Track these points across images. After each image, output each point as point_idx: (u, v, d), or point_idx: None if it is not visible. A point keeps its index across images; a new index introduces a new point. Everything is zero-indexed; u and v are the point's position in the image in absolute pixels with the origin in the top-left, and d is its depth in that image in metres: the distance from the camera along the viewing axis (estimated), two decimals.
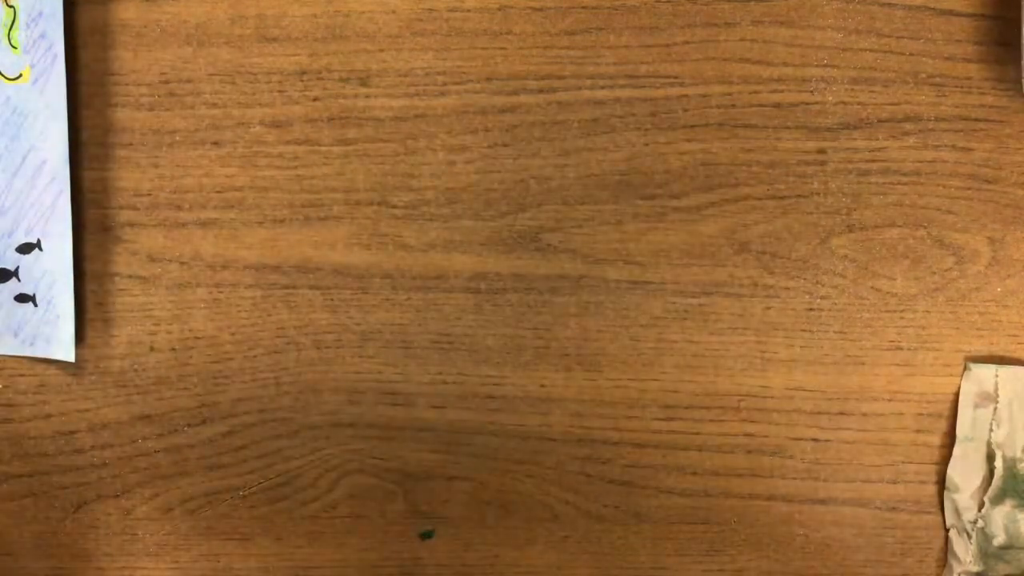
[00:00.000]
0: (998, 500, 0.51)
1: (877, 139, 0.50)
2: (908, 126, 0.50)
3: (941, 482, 0.52)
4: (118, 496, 0.53)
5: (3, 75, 0.51)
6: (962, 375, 0.51)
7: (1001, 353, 0.51)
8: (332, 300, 0.52)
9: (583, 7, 0.51)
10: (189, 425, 0.52)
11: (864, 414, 0.52)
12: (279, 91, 0.52)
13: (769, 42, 0.50)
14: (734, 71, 0.51)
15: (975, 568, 0.52)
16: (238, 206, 0.52)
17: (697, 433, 0.52)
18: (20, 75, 0.51)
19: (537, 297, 0.52)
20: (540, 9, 0.51)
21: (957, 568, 0.52)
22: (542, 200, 0.51)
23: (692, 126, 0.51)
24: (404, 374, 0.52)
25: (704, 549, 0.54)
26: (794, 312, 0.51)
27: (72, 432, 0.53)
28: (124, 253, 0.52)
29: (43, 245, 0.51)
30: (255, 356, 0.52)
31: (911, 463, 0.52)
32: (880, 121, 0.50)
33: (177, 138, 0.52)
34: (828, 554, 0.54)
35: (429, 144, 0.51)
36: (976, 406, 0.51)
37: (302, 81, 0.51)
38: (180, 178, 0.52)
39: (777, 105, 0.51)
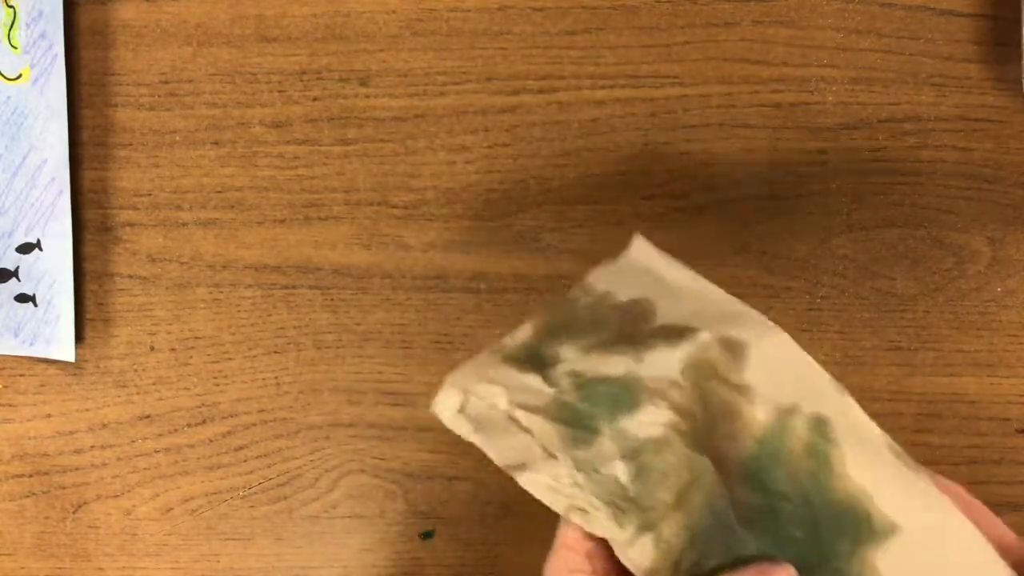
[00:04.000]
0: None
1: (877, 139, 0.50)
2: (908, 126, 0.50)
3: None
4: (118, 496, 0.53)
5: (3, 75, 0.51)
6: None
7: (1001, 353, 0.51)
8: (332, 300, 0.52)
9: (583, 7, 0.51)
10: (189, 425, 0.52)
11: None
12: (279, 91, 0.52)
13: (769, 42, 0.50)
14: (734, 71, 0.51)
15: None
16: (238, 206, 0.52)
17: None
18: (20, 75, 0.51)
19: (537, 297, 0.52)
20: (540, 9, 0.51)
21: None
22: (542, 200, 0.51)
23: (692, 126, 0.51)
24: (404, 374, 0.52)
25: None
26: (794, 312, 0.51)
27: (72, 432, 0.53)
28: (124, 253, 0.52)
29: (43, 245, 0.51)
30: (255, 356, 0.52)
31: None
32: (880, 121, 0.50)
33: (177, 138, 0.52)
34: None
35: (429, 144, 0.51)
36: None
37: (302, 81, 0.52)
38: (180, 178, 0.52)
39: (777, 105, 0.51)
